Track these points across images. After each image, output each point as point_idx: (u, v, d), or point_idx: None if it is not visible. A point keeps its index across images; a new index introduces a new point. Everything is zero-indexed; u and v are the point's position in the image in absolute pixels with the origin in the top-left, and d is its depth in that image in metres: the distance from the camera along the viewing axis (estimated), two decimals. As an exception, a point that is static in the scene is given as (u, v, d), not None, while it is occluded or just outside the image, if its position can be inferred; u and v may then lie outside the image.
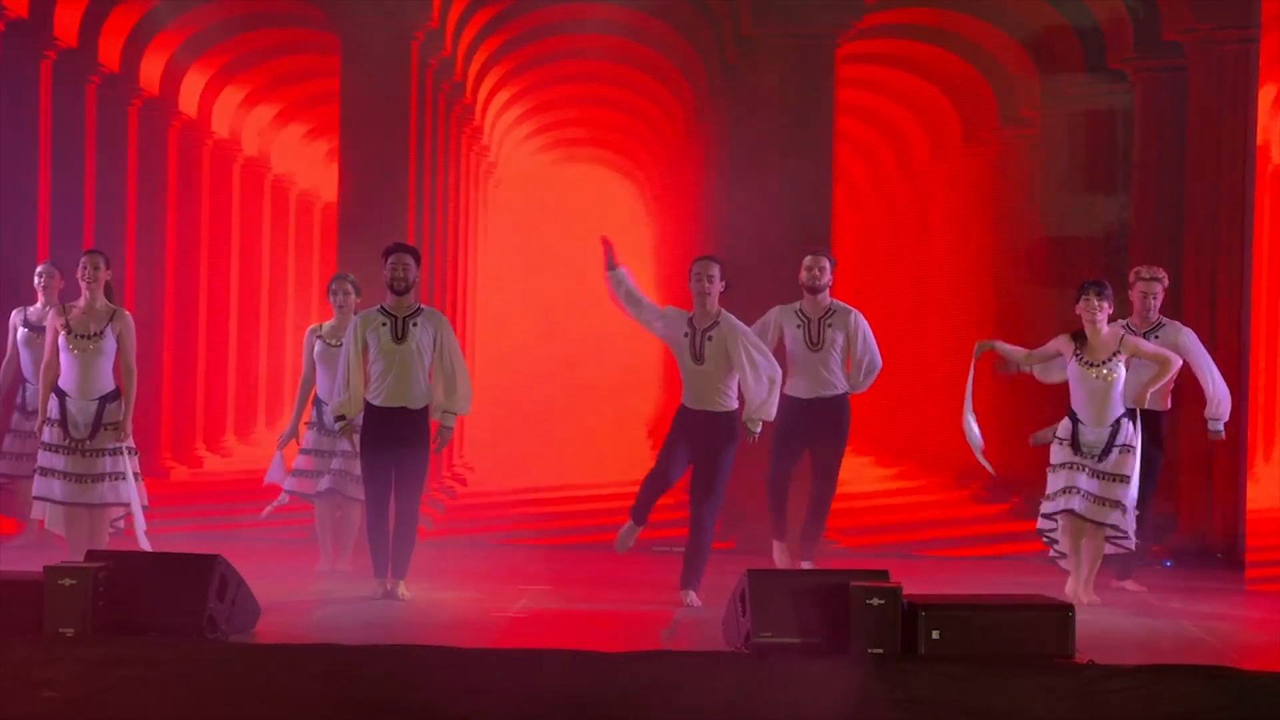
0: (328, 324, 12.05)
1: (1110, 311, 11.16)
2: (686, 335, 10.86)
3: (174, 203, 17.55)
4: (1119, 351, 11.03)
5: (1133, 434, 11.01)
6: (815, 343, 11.53)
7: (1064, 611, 9.04)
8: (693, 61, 17.24)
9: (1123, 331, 11.19)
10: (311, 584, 11.52)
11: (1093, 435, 11.03)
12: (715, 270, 10.89)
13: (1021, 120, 16.73)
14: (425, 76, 15.01)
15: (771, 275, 13.65)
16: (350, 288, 12.03)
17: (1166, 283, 11.70)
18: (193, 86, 17.80)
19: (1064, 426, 11.18)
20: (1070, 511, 11.01)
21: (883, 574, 9.29)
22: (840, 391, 11.56)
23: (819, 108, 14.15)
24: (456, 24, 15.83)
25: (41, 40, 14.70)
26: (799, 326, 11.57)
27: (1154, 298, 11.58)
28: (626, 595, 11.35)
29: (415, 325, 10.89)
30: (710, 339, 10.79)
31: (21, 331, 12.38)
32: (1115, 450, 10.97)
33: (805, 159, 14.06)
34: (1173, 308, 12.33)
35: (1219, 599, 11.63)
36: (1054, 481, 11.16)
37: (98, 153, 15.76)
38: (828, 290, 11.61)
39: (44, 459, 11.06)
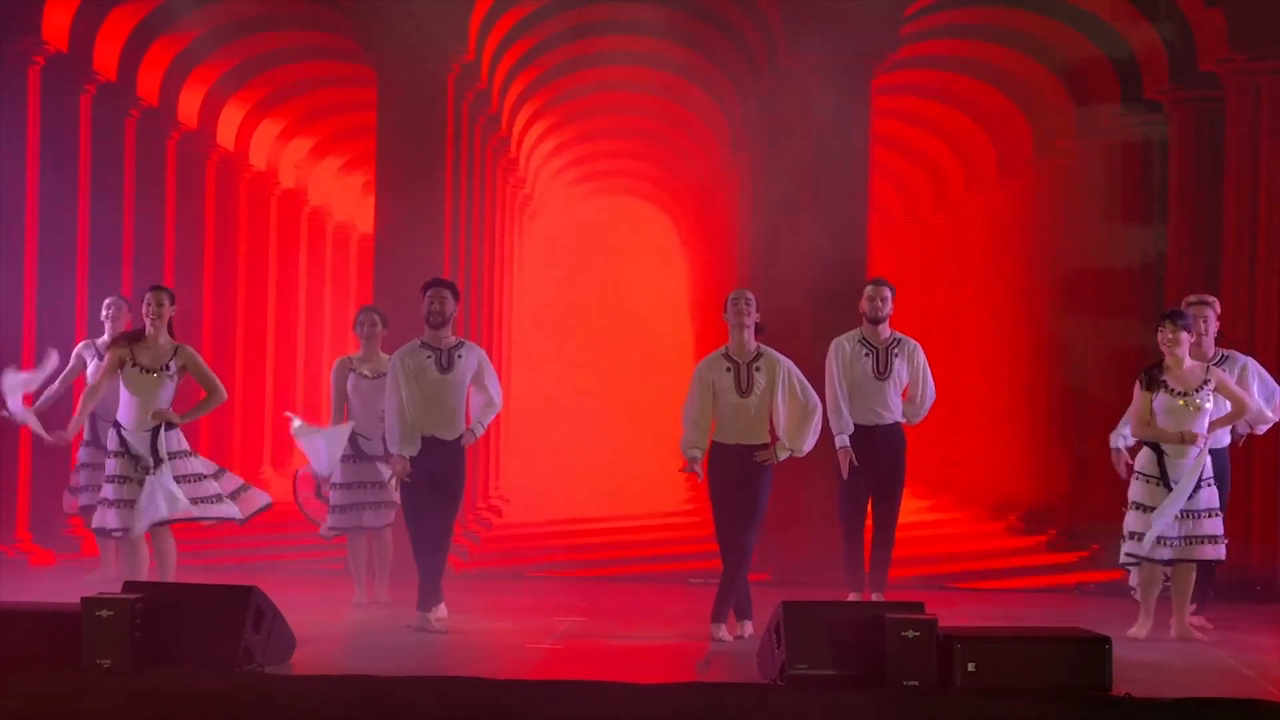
0: (358, 356, 12.06)
1: (1192, 341, 11.08)
2: (729, 370, 10.80)
3: (212, 235, 17.65)
4: (1208, 381, 10.97)
5: (1209, 467, 11.00)
6: (882, 371, 11.48)
7: (1100, 644, 9.00)
8: (728, 93, 17.26)
9: (1209, 364, 11.12)
10: (347, 615, 11.55)
11: (1176, 465, 10.89)
12: (753, 298, 10.87)
13: (1057, 151, 16.72)
14: (461, 109, 15.05)
15: (807, 306, 13.66)
16: (377, 319, 12.05)
17: (1218, 309, 11.60)
18: (231, 120, 17.92)
19: (1146, 460, 11.06)
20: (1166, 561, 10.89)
21: (918, 606, 9.28)
22: (896, 420, 11.52)
23: (854, 139, 14.13)
24: (492, 56, 15.87)
25: (81, 74, 14.80)
26: (866, 355, 11.50)
27: (1205, 321, 11.48)
28: (662, 627, 11.34)
29: (460, 357, 10.95)
30: (759, 369, 10.74)
31: (94, 364, 12.44)
32: (1203, 485, 10.91)
33: (840, 190, 14.05)
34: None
35: (1257, 632, 11.57)
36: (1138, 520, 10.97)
37: (137, 185, 15.85)
38: (888, 320, 11.55)
39: (115, 491, 11.03)
